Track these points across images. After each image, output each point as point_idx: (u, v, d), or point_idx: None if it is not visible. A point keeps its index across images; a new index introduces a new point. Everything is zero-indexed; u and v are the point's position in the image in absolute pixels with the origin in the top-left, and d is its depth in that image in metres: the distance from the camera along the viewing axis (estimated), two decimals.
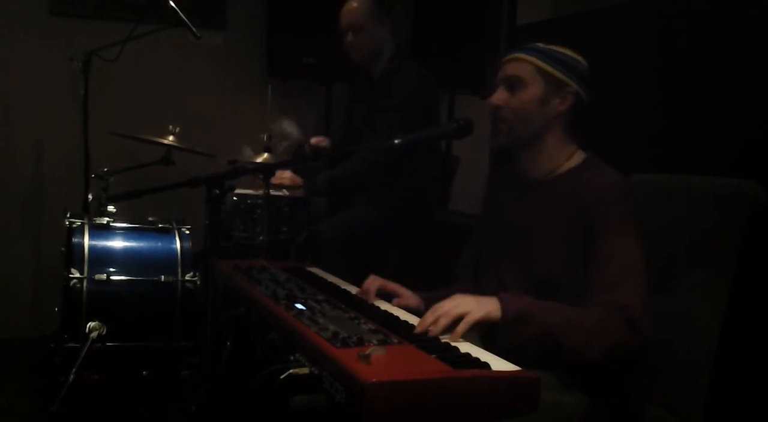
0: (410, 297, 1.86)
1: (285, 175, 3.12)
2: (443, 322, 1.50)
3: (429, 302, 1.78)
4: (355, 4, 3.04)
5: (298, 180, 3.14)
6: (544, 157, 1.74)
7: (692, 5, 2.26)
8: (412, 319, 1.64)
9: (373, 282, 1.88)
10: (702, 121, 2.19)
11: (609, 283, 1.53)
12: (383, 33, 3.05)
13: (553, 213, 1.67)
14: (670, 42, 2.32)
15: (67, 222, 2.65)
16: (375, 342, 1.40)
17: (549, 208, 1.69)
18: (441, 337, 1.51)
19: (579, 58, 1.73)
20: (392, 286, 1.88)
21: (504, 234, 1.80)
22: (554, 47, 1.72)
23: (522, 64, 1.70)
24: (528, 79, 1.69)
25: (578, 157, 1.74)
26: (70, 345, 2.47)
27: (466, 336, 1.52)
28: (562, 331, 1.48)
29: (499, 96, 1.72)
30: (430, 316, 1.52)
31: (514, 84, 1.70)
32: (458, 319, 1.50)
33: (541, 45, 1.72)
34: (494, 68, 1.79)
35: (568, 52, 1.72)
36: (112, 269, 2.58)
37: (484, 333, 1.54)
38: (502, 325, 1.49)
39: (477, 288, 1.67)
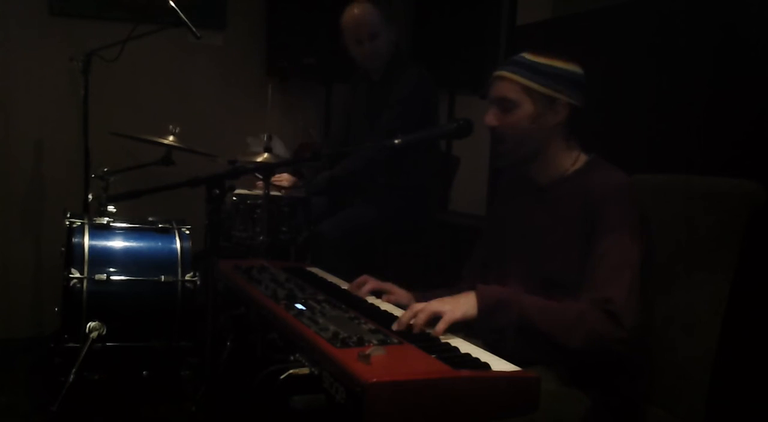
0: (402, 295, 1.88)
1: (282, 177, 3.11)
2: (422, 317, 1.53)
3: (420, 300, 1.80)
4: (367, 11, 2.97)
5: (295, 181, 3.14)
6: (549, 165, 1.75)
7: (692, 5, 2.26)
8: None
9: (366, 283, 1.91)
10: (702, 120, 2.19)
11: (597, 280, 1.55)
12: (392, 37, 3.03)
13: (561, 214, 1.69)
14: (670, 42, 2.32)
15: (67, 222, 2.65)
16: (375, 342, 1.40)
17: (557, 210, 1.70)
18: (441, 337, 1.51)
19: (569, 65, 1.70)
20: (386, 286, 1.91)
21: (514, 236, 1.81)
22: (541, 59, 1.69)
23: (509, 85, 1.70)
24: (517, 99, 1.69)
25: (583, 159, 1.75)
26: (70, 345, 2.47)
27: (470, 340, 1.53)
28: (541, 320, 1.51)
29: (492, 116, 1.73)
30: (408, 313, 1.56)
31: (504, 104, 1.71)
32: (436, 317, 1.54)
33: (527, 57, 1.70)
34: (494, 72, 1.78)
35: (556, 62, 1.69)
36: (112, 269, 2.58)
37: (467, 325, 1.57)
38: (481, 314, 1.54)
39: None
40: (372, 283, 1.92)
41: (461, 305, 1.56)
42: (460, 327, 1.58)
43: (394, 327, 1.55)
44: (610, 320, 1.48)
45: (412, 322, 1.55)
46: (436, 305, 1.57)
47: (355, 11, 2.98)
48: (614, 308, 1.48)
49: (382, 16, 2.99)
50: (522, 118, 1.69)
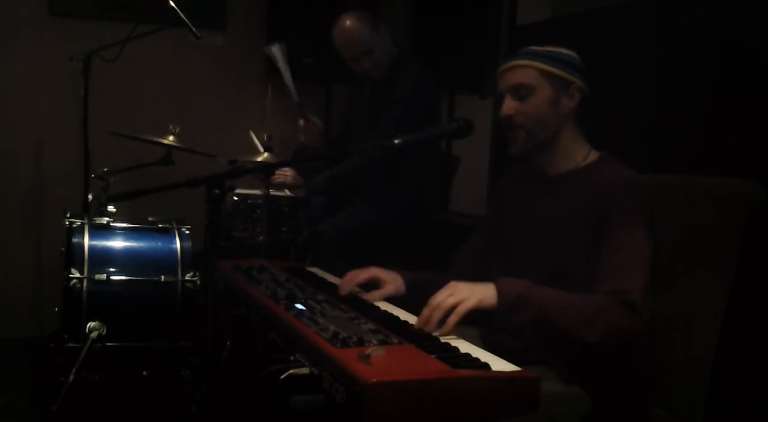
0: (390, 282, 1.88)
1: (287, 172, 3.11)
2: (436, 316, 1.52)
3: (412, 286, 1.84)
4: (356, 30, 2.94)
5: (300, 179, 3.14)
6: (560, 154, 1.77)
7: (692, 5, 2.26)
8: (412, 319, 1.64)
9: (353, 279, 1.90)
10: (702, 121, 2.19)
11: (612, 273, 1.55)
12: (387, 41, 3.03)
13: (570, 206, 1.69)
14: (670, 42, 2.32)
15: (67, 222, 2.65)
16: (375, 342, 1.40)
17: (566, 201, 1.71)
18: (441, 337, 1.51)
19: (573, 53, 1.75)
20: (371, 274, 1.90)
21: (520, 227, 1.81)
22: (549, 48, 1.73)
23: (526, 70, 1.71)
24: (535, 84, 1.70)
25: (595, 155, 1.77)
26: (70, 345, 2.47)
27: (468, 337, 1.53)
28: (560, 315, 1.50)
29: (509, 105, 1.73)
30: (426, 310, 1.55)
31: (522, 91, 1.71)
32: (452, 310, 1.52)
33: (535, 48, 1.73)
34: (494, 72, 1.79)
35: (562, 50, 1.74)
36: (112, 269, 2.58)
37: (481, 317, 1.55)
38: (499, 311, 1.52)
39: (474, 279, 1.67)
40: (356, 280, 1.90)
41: (478, 293, 1.52)
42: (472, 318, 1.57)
43: (415, 326, 1.55)
44: (628, 311, 1.49)
45: (428, 324, 1.53)
46: (452, 295, 1.53)
47: (344, 34, 2.96)
48: (631, 299, 1.49)
49: (371, 27, 2.95)
50: (540, 104, 1.71)
